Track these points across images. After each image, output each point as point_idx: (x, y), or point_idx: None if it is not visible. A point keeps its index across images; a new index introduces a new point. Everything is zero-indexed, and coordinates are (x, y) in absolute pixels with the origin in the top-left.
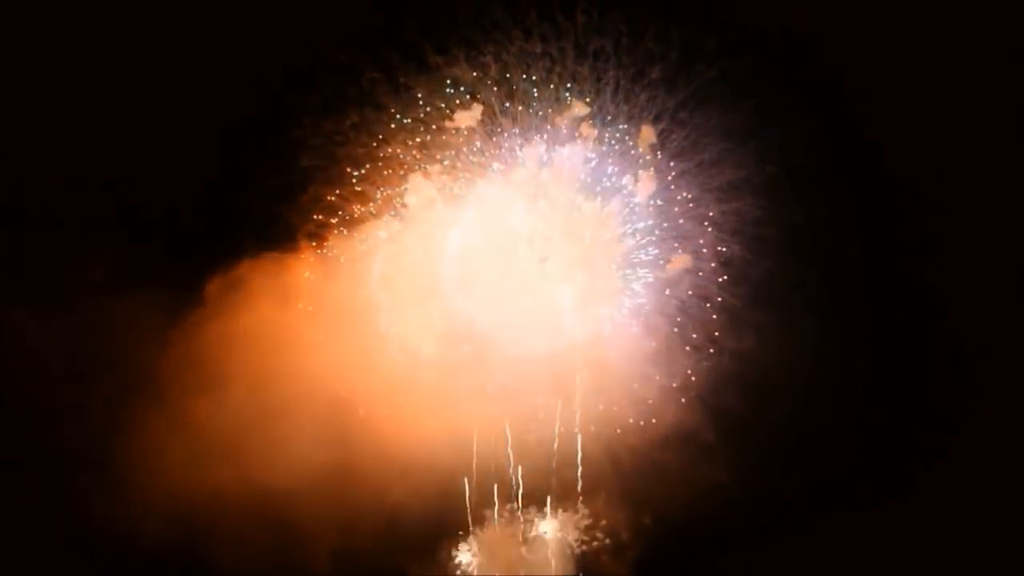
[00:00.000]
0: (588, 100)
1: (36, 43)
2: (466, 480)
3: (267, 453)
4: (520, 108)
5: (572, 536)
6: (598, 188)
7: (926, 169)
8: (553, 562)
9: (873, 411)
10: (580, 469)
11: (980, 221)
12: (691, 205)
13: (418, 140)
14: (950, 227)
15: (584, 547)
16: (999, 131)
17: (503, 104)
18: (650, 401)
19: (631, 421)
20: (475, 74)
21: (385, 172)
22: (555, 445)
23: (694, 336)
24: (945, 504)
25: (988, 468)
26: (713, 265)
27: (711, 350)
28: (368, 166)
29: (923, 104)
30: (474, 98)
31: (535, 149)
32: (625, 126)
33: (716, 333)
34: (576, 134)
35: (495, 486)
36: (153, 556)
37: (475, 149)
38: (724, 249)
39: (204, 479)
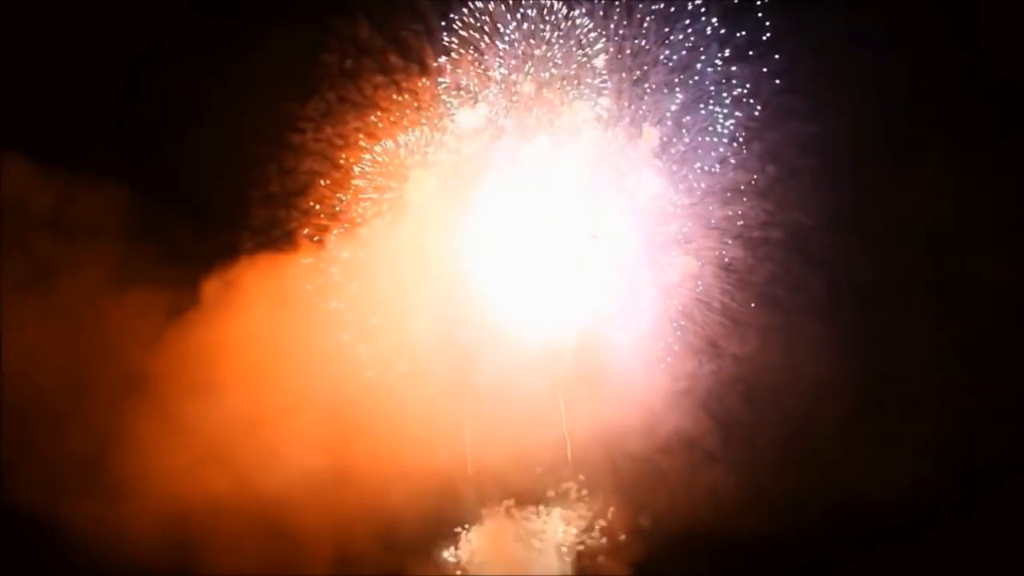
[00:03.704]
0: (590, 102)
1: (42, 42)
2: (463, 481)
3: (264, 456)
4: (523, 110)
5: (570, 536)
6: (600, 190)
7: (929, 170)
8: (551, 562)
9: (876, 415)
10: (578, 471)
11: (983, 221)
12: (694, 208)
13: (420, 142)
14: (951, 229)
15: (581, 547)
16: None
17: (506, 106)
18: (651, 404)
19: (631, 424)
20: (478, 77)
21: (386, 175)
22: (553, 447)
23: (696, 340)
24: (950, 507)
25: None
26: (716, 268)
27: (713, 354)
28: (369, 169)
29: (924, 104)
30: (476, 100)
31: (538, 151)
32: (628, 128)
33: (718, 337)
34: (579, 136)
35: (492, 487)
36: (149, 560)
37: (477, 150)
38: (727, 252)
39: (200, 483)
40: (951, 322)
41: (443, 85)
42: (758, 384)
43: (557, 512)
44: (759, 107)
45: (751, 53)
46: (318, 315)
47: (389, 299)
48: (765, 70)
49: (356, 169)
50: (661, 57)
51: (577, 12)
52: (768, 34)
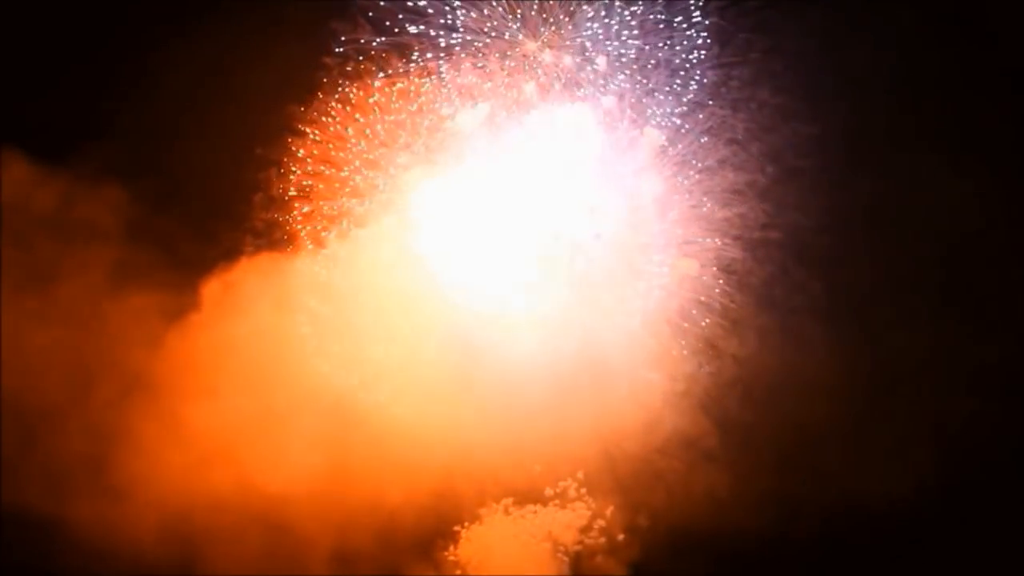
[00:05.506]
0: (592, 103)
1: (43, 43)
2: (462, 480)
3: (264, 455)
4: (524, 112)
5: (568, 536)
6: (601, 191)
7: (928, 171)
8: (549, 562)
9: (875, 416)
10: (577, 470)
11: (982, 221)
12: (694, 209)
13: (420, 143)
14: (950, 230)
15: (580, 547)
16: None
17: (507, 107)
18: (650, 404)
19: (630, 424)
20: (478, 77)
21: (386, 175)
22: (552, 446)
23: (695, 341)
24: (949, 508)
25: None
26: (715, 269)
27: (712, 355)
28: (368, 170)
29: (924, 105)
30: (477, 102)
31: (539, 152)
32: (629, 130)
33: (717, 338)
34: (580, 137)
35: (491, 485)
36: (150, 559)
37: (478, 151)
38: (726, 253)
39: (201, 482)
40: (950, 323)
41: (444, 86)
42: (757, 385)
43: (556, 512)
44: (759, 108)
45: (751, 54)
46: (318, 316)
47: (389, 300)
48: (765, 71)
49: (356, 171)
50: (662, 58)
51: (578, 13)
52: (768, 35)
